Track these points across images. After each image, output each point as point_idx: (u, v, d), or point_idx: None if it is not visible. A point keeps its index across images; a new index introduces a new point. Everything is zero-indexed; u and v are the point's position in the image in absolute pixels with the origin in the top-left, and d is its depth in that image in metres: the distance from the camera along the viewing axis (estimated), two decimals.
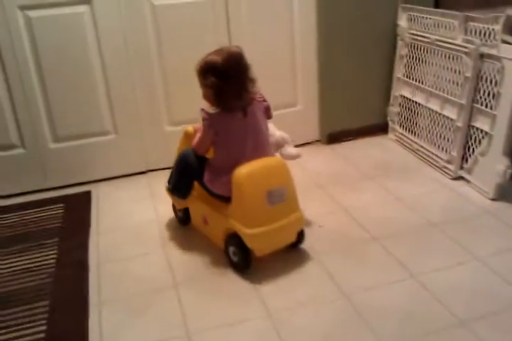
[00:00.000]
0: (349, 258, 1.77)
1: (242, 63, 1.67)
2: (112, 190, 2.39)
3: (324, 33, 2.53)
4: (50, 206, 2.27)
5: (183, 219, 2.05)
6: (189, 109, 2.28)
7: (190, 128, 1.88)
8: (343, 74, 2.63)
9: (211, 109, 1.68)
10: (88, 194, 2.37)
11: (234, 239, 1.70)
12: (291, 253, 1.80)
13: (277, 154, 1.92)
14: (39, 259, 1.88)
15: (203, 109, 1.69)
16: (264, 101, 1.77)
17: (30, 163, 2.37)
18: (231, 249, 1.74)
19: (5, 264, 1.87)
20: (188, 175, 1.82)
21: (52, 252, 1.92)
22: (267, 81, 2.47)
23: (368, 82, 2.68)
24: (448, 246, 1.79)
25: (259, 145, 1.72)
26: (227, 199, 1.71)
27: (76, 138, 2.39)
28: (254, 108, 1.71)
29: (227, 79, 1.63)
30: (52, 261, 1.86)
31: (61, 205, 2.27)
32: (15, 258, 1.90)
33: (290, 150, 1.93)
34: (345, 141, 2.74)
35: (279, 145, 1.93)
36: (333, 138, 2.73)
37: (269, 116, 1.80)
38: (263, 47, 2.47)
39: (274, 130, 1.93)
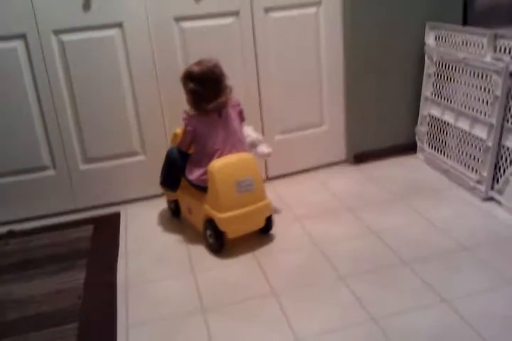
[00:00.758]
0: (377, 281, 1.74)
1: (216, 72, 1.97)
2: (141, 211, 2.40)
3: (351, 52, 2.54)
4: (79, 227, 2.29)
5: (174, 211, 2.31)
6: None
7: (178, 130, 2.14)
8: (369, 94, 2.62)
9: (191, 112, 2.00)
10: (117, 215, 2.39)
11: (210, 223, 1.96)
12: (320, 278, 1.79)
13: (253, 153, 2.15)
14: (69, 280, 1.90)
15: (184, 111, 2.01)
16: (239, 105, 2.08)
17: (60, 184, 2.40)
18: (208, 232, 2.01)
19: (36, 285, 1.89)
20: (173, 169, 2.11)
21: (81, 274, 1.93)
22: (293, 101, 2.57)
23: (395, 101, 2.67)
24: (479, 269, 1.75)
25: (233, 143, 2.01)
26: (205, 189, 1.98)
27: (105, 159, 2.42)
28: (228, 111, 2.02)
29: (202, 85, 1.95)
30: (81, 282, 1.88)
31: (90, 227, 2.29)
32: (47, 279, 1.92)
33: (262, 148, 2.18)
34: (372, 161, 2.72)
35: (254, 145, 2.17)
36: (360, 158, 2.71)
37: (242, 118, 2.10)
38: (289, 68, 2.49)
39: (250, 132, 2.19)
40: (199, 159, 2.01)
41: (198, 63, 2.00)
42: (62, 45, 2.21)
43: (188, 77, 1.98)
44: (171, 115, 2.40)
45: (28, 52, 2.19)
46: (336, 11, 2.49)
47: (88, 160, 2.40)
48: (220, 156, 1.97)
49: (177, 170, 2.10)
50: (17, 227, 2.33)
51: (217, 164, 1.93)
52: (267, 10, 2.38)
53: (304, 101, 2.57)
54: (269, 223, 2.06)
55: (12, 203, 2.36)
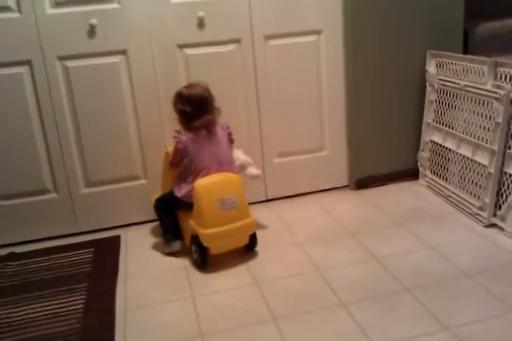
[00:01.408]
0: (379, 308, 1.72)
1: (204, 93, 2.11)
2: (141, 235, 2.39)
3: (352, 78, 2.55)
4: (80, 250, 2.28)
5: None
6: None
7: (169, 148, 2.23)
8: (371, 119, 2.63)
9: (182, 131, 2.11)
10: (117, 238, 2.38)
11: (195, 239, 2.04)
12: (321, 304, 1.77)
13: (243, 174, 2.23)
14: (68, 304, 1.88)
15: (175, 130, 2.13)
16: (228, 128, 2.20)
17: (62, 207, 2.40)
18: (193, 248, 2.09)
19: (36, 308, 1.88)
20: (168, 211, 2.20)
21: (80, 297, 1.92)
22: (293, 125, 2.59)
23: (397, 127, 2.67)
24: (482, 297, 1.73)
25: (221, 162, 2.11)
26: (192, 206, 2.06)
27: (107, 183, 2.43)
28: (217, 130, 2.14)
29: (190, 105, 2.08)
30: (80, 306, 1.86)
31: (91, 250, 2.28)
32: (46, 302, 1.91)
33: (251, 170, 2.26)
34: (374, 186, 2.72)
35: (243, 167, 2.25)
36: (362, 183, 2.71)
37: (231, 141, 2.21)
38: (289, 93, 2.52)
39: (239, 155, 2.27)
40: (187, 176, 2.11)
41: (188, 86, 2.17)
42: (66, 70, 2.24)
43: (178, 98, 2.12)
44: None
45: (32, 77, 2.22)
46: (337, 39, 2.51)
47: (90, 183, 2.41)
48: (206, 174, 2.07)
49: (171, 210, 2.20)
50: (17, 250, 2.32)
51: (202, 182, 2.03)
52: (267, 38, 2.42)
53: (304, 125, 2.59)
54: (252, 240, 2.12)
55: (13, 225, 2.36)
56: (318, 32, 2.49)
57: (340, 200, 2.61)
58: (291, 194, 2.68)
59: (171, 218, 2.21)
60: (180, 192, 2.12)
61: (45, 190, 2.37)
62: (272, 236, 2.27)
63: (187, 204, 2.10)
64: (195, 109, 2.08)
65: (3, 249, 2.33)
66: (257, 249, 2.15)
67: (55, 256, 2.25)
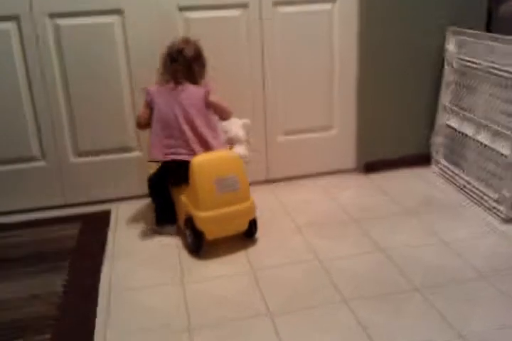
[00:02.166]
0: (384, 307, 1.57)
1: (193, 54, 1.97)
2: (133, 211, 2.27)
3: (365, 53, 2.39)
4: (66, 224, 2.17)
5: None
6: None
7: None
8: (383, 99, 2.47)
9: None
10: (107, 213, 2.26)
11: (189, 221, 1.89)
12: (321, 299, 1.63)
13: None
14: (49, 283, 1.76)
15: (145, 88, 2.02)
16: (207, 87, 1.99)
17: (49, 176, 2.29)
18: (187, 232, 1.93)
19: (14, 287, 1.75)
20: (160, 191, 2.04)
21: (62, 277, 1.79)
22: (299, 101, 2.43)
23: (410, 109, 2.51)
24: (498, 301, 1.58)
25: (190, 120, 1.94)
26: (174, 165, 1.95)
27: (99, 153, 2.30)
28: (189, 88, 1.97)
29: (171, 60, 1.97)
30: (61, 287, 1.74)
31: (78, 224, 2.16)
32: (25, 280, 1.79)
33: (238, 150, 2.03)
34: (383, 171, 2.56)
35: (230, 142, 2.06)
36: (371, 167, 2.56)
37: (207, 102, 1.98)
38: (297, 65, 2.36)
39: (234, 127, 2.07)
40: (155, 132, 1.98)
41: (183, 41, 2.01)
42: (57, 29, 2.09)
43: (167, 50, 2.00)
44: None
45: (20, 35, 2.07)
46: (351, 9, 2.34)
47: (80, 152, 2.28)
48: (177, 131, 1.94)
49: (165, 195, 2.05)
50: (0, 220, 2.21)
51: (199, 159, 1.87)
52: (276, 3, 2.25)
53: (311, 101, 2.44)
54: (252, 226, 1.96)
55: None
56: (332, 0, 2.31)
57: (347, 184, 2.46)
58: (294, 175, 2.54)
59: (164, 199, 2.06)
60: (152, 154, 1.99)
61: (32, 156, 2.25)
62: (272, 220, 2.13)
63: (175, 175, 1.96)
64: (176, 65, 1.96)
65: None
66: (256, 235, 2.00)
67: (40, 229, 2.13)
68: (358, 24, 2.36)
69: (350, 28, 2.36)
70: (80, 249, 1.98)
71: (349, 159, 2.58)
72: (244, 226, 1.93)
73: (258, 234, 1.99)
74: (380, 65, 2.41)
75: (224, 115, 2.03)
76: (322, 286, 1.68)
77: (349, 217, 2.14)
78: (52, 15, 2.06)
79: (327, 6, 2.31)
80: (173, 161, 1.96)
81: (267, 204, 2.26)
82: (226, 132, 2.06)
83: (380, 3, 2.32)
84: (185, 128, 1.94)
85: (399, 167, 2.57)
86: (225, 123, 2.06)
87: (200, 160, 1.87)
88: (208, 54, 2.14)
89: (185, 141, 1.94)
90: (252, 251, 1.92)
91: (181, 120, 1.94)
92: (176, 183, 1.99)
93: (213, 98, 1.98)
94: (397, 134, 2.54)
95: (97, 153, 2.30)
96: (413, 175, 2.51)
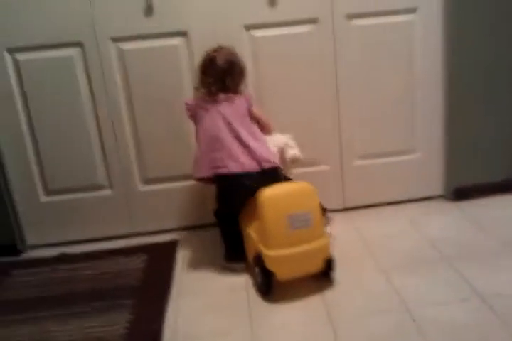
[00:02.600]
0: None
1: (225, 63, 1.84)
2: (201, 241, 2.15)
3: (453, 67, 2.16)
4: (132, 257, 2.07)
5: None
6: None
7: None
8: (476, 117, 2.21)
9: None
10: (174, 244, 2.16)
11: (258, 258, 1.73)
12: None
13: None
14: (111, 325, 1.64)
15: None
16: (248, 99, 1.89)
17: (116, 205, 2.24)
18: (256, 270, 1.77)
19: (75, 328, 1.65)
20: (229, 224, 1.90)
21: (124, 318, 1.67)
22: (378, 122, 2.23)
23: (508, 127, 2.24)
24: None
25: (234, 131, 1.80)
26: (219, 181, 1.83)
27: (167, 180, 2.22)
28: (233, 99, 1.85)
29: (205, 71, 1.87)
30: (125, 329, 1.61)
31: (144, 256, 2.07)
32: (87, 319, 1.68)
33: (289, 152, 1.92)
34: (476, 198, 2.29)
35: (282, 150, 1.94)
36: (462, 193, 2.29)
37: (250, 108, 1.89)
38: (375, 84, 2.18)
39: (279, 137, 1.95)
40: (203, 146, 1.85)
41: (215, 50, 1.89)
42: (121, 53, 2.05)
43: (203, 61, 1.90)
44: None
45: (84, 60, 2.05)
46: (435, 20, 2.13)
47: (148, 180, 2.22)
48: (223, 136, 1.80)
49: (234, 229, 1.90)
50: (68, 250, 2.17)
51: (268, 192, 1.71)
52: (350, 17, 2.09)
53: (392, 122, 2.23)
54: (328, 266, 1.76)
55: (65, 223, 2.25)
56: (412, 10, 2.12)
57: (434, 214, 2.21)
58: (374, 203, 2.33)
59: (232, 234, 1.91)
60: (198, 172, 1.86)
61: (99, 185, 2.21)
62: (350, 257, 1.91)
63: (234, 196, 1.82)
64: (208, 75, 1.85)
65: (54, 249, 2.19)
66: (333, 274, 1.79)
67: (105, 261, 2.06)
68: (442, 35, 2.14)
69: (434, 39, 2.15)
70: (144, 285, 1.86)
71: (436, 185, 2.34)
72: (318, 266, 1.74)
73: (337, 272, 1.78)
74: (471, 79, 2.17)
75: (265, 129, 1.92)
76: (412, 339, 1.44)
77: (439, 254, 1.88)
78: (115, 40, 2.03)
79: (407, 17, 2.12)
80: (225, 178, 1.80)
81: (344, 237, 2.05)
82: (274, 143, 1.94)
83: (471, 12, 2.09)
84: (230, 139, 1.80)
85: (494, 193, 2.29)
86: (269, 138, 1.93)
87: (269, 194, 1.71)
88: (276, 73, 2.05)
89: (231, 152, 1.79)
90: (329, 295, 1.70)
91: (225, 131, 1.80)
92: (240, 205, 1.85)
93: (255, 109, 1.90)
94: (492, 156, 2.27)
95: (165, 180, 2.22)
96: None
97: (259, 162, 1.79)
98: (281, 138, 1.95)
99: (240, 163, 1.77)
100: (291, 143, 1.94)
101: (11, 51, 2.02)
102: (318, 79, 2.14)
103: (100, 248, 2.17)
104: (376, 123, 2.22)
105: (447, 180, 2.32)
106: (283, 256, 1.67)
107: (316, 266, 1.74)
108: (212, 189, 1.96)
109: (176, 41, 2.06)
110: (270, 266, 1.68)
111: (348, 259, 1.88)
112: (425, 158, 2.30)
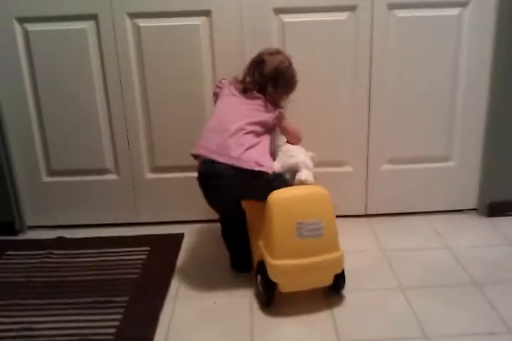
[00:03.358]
0: None
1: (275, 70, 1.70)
2: (209, 237, 2.02)
3: (502, 70, 1.96)
4: (134, 248, 1.97)
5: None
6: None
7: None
8: None
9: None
10: (179, 237, 2.04)
11: (261, 266, 1.60)
12: None
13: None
14: (96, 324, 1.53)
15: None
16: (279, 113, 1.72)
17: (122, 191, 2.13)
18: (258, 278, 1.64)
19: (61, 323, 1.54)
20: (232, 231, 1.76)
21: (116, 317, 1.55)
22: (411, 124, 2.06)
23: None
24: None
25: (242, 129, 1.63)
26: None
27: (178, 169, 2.09)
28: (258, 101, 1.69)
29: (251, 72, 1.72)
30: (109, 331, 1.48)
31: (146, 248, 1.95)
32: (75, 315, 1.57)
33: (300, 174, 1.64)
34: None
35: (296, 168, 1.66)
36: (497, 209, 2.10)
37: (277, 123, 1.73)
38: (412, 82, 2.01)
39: (300, 153, 1.70)
40: (208, 124, 1.70)
41: (272, 52, 1.74)
42: (137, 30, 1.92)
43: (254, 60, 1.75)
44: None
45: (98, 35, 1.93)
46: (487, 16, 1.93)
47: (157, 168, 2.10)
48: (206, 137, 1.66)
49: (238, 237, 1.76)
50: (68, 234, 2.08)
51: (277, 195, 1.55)
52: (392, 7, 1.91)
53: (427, 125, 2.06)
54: (338, 281, 1.61)
55: (67, 206, 2.16)
56: (462, 4, 1.92)
57: (464, 229, 2.02)
58: (399, 211, 2.16)
59: (234, 240, 1.78)
60: (193, 148, 1.69)
61: (105, 169, 2.10)
62: (367, 270, 1.75)
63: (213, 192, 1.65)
64: (252, 76, 1.70)
65: (53, 231, 2.11)
66: (346, 288, 1.63)
67: (105, 250, 1.95)
68: (494, 33, 1.94)
69: (484, 37, 1.95)
70: (141, 281, 1.74)
71: (469, 197, 2.15)
72: (327, 281, 1.59)
73: (349, 287, 1.61)
74: None
75: (294, 140, 1.77)
76: None
77: (467, 275, 1.69)
78: (132, 15, 1.90)
79: (455, 11, 1.92)
80: (201, 163, 1.65)
81: (363, 247, 1.90)
82: (291, 157, 1.71)
83: None
84: (233, 131, 1.61)
85: None
86: (289, 148, 1.74)
87: (279, 197, 1.55)
88: (305, 64, 1.87)
89: (225, 141, 1.61)
90: (338, 311, 1.53)
91: (234, 125, 1.63)
92: (214, 203, 1.71)
93: (285, 123, 1.74)
94: None
95: (175, 169, 2.09)
96: None
97: (237, 160, 1.59)
98: (301, 152, 1.74)
99: (229, 156, 1.60)
100: (309, 163, 1.71)
101: (21, 21, 1.92)
102: (350, 73, 1.98)
103: (101, 235, 2.07)
104: (410, 125, 2.05)
105: (482, 193, 2.14)
106: (288, 267, 1.52)
107: (324, 280, 1.59)
108: None
109: (197, 21, 1.92)
110: (273, 276, 1.54)
111: (364, 272, 1.73)
112: (460, 168, 2.12)
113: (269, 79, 1.68)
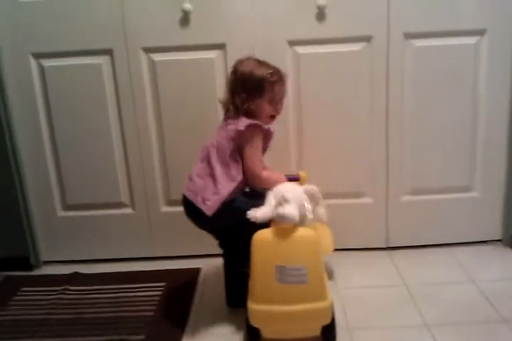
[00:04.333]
0: None
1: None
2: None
3: None
4: (150, 283, 1.93)
5: None
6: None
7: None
8: None
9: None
10: (196, 273, 1.99)
11: (246, 308, 1.49)
12: None
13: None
14: None
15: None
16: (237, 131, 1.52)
17: (137, 225, 2.10)
18: (245, 319, 1.51)
19: None
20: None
21: None
22: (431, 154, 2.01)
23: None
24: None
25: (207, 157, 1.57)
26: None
27: None
28: (228, 124, 1.57)
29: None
30: None
31: (162, 284, 1.91)
32: None
33: (286, 209, 1.40)
34: None
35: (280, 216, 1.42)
36: None
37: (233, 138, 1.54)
38: (431, 112, 1.96)
39: (296, 194, 1.46)
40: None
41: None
42: (152, 64, 1.92)
43: None
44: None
45: (113, 69, 1.93)
46: (505, 43, 1.89)
47: (172, 202, 2.05)
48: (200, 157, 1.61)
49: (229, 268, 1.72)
50: (83, 269, 2.05)
51: (261, 234, 1.43)
52: (408, 36, 1.88)
53: (448, 156, 2.00)
54: (328, 334, 1.48)
55: (82, 240, 2.13)
56: (480, 32, 1.89)
57: (490, 261, 1.95)
58: (421, 243, 2.09)
59: (230, 274, 1.71)
60: None
61: (120, 203, 2.08)
62: (389, 307, 1.67)
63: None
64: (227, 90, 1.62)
65: (69, 266, 2.08)
66: (364, 321, 1.56)
67: (120, 286, 1.92)
68: None
69: (503, 66, 1.91)
70: (157, 319, 1.70)
71: (493, 228, 2.08)
72: (313, 331, 1.47)
73: (371, 324, 1.55)
74: None
75: (249, 174, 1.54)
76: None
77: (496, 312, 1.61)
78: (147, 50, 1.90)
79: (472, 40, 1.89)
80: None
81: (384, 282, 1.83)
82: (282, 203, 1.45)
83: None
84: (199, 160, 1.59)
85: None
86: (282, 188, 1.49)
87: (261, 236, 1.43)
88: (320, 95, 1.87)
89: (192, 171, 1.60)
90: None
91: (201, 154, 1.60)
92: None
93: (251, 153, 1.53)
94: None
95: None
96: None
97: (190, 192, 1.58)
98: (298, 195, 1.48)
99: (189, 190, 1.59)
100: (308, 207, 1.46)
101: (37, 56, 1.93)
102: (367, 104, 1.94)
103: (116, 270, 2.04)
104: (429, 155, 2.00)
105: (506, 224, 2.06)
106: (266, 313, 1.43)
107: (309, 331, 1.48)
108: None
109: (212, 54, 1.91)
110: (252, 320, 1.46)
111: (386, 308, 1.67)
112: (483, 198, 2.05)
113: (235, 85, 1.56)
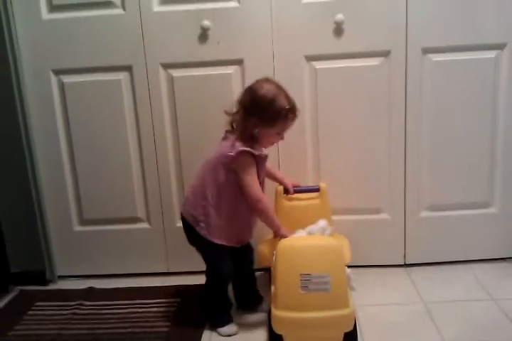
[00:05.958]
0: None
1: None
2: None
3: None
4: (164, 299, 1.91)
5: None
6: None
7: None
8: None
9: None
10: None
11: (268, 315, 1.54)
12: None
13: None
14: None
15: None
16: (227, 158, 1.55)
17: (153, 240, 2.09)
18: (268, 326, 1.59)
19: None
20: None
21: None
22: (450, 170, 1.98)
23: None
24: None
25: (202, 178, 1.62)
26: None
27: None
28: (222, 145, 1.62)
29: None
30: None
31: (176, 300, 1.90)
32: None
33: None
34: None
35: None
36: None
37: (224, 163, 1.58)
38: (449, 127, 1.94)
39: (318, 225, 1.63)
40: None
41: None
42: (171, 80, 1.93)
43: None
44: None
45: (132, 85, 1.95)
46: None
47: None
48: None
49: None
50: (98, 284, 2.05)
51: (286, 243, 1.50)
52: (427, 51, 1.87)
53: (466, 171, 1.98)
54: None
55: (97, 255, 2.12)
56: (500, 46, 1.87)
57: (510, 279, 1.91)
58: (439, 260, 2.06)
59: (237, 275, 1.77)
60: None
61: (137, 218, 2.08)
62: (407, 325, 1.64)
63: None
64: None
65: (84, 281, 2.09)
66: (381, 339, 1.54)
67: (135, 302, 1.91)
68: None
69: None
70: (172, 336, 1.68)
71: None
72: (336, 339, 1.49)
73: (387, 337, 1.53)
74: None
75: (251, 201, 1.58)
76: None
77: None
78: (166, 66, 1.92)
79: (491, 54, 1.88)
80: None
81: (402, 299, 1.80)
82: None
83: None
84: (193, 182, 1.66)
85: None
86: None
87: (287, 245, 1.49)
88: (337, 109, 1.87)
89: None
90: None
91: (198, 175, 1.65)
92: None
93: (246, 178, 1.55)
94: None
95: None
96: None
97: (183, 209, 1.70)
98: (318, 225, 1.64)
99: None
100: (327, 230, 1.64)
101: (57, 73, 1.95)
102: (385, 119, 1.93)
103: (131, 285, 2.03)
104: (448, 170, 1.98)
105: None
106: (289, 320, 1.45)
107: (332, 338, 1.49)
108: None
109: (230, 69, 1.91)
110: (275, 326, 1.48)
111: (404, 326, 1.63)
112: (502, 214, 2.01)
113: (241, 107, 1.57)
